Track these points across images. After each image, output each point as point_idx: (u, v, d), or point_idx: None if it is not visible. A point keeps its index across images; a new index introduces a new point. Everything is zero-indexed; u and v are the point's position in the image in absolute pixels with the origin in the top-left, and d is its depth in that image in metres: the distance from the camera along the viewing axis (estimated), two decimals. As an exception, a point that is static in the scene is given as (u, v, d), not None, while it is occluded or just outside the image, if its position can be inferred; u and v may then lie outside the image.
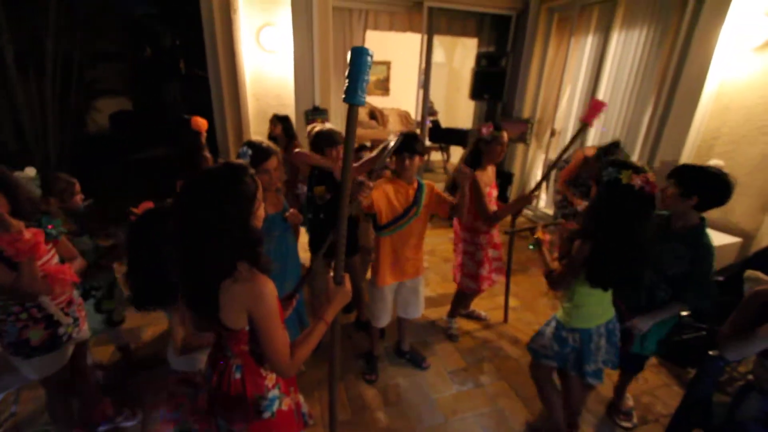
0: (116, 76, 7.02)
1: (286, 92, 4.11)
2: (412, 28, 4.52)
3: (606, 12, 3.79)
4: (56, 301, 1.53)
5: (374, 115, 7.34)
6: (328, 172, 2.19)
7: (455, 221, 2.55)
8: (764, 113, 2.61)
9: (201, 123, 2.63)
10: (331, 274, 1.16)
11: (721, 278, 2.41)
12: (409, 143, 1.87)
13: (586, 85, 4.08)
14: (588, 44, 4.03)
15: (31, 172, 1.82)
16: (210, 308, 0.99)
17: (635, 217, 1.40)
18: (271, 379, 1.14)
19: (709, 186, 1.54)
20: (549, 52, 4.45)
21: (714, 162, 2.59)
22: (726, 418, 1.49)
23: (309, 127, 2.73)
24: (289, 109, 3.98)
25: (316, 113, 3.93)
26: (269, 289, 0.99)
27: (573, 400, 1.84)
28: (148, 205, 1.47)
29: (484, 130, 2.23)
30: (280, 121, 3.21)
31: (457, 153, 6.36)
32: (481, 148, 2.28)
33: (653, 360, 2.50)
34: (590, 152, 2.90)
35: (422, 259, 2.15)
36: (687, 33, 2.97)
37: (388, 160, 1.92)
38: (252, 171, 1.02)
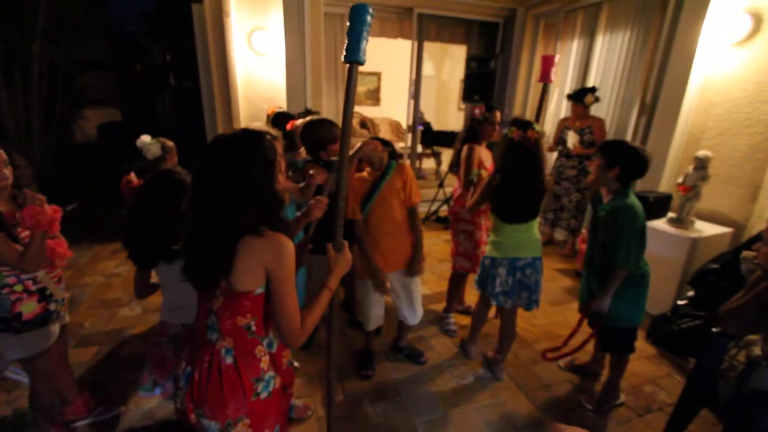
0: (105, 86, 6.97)
1: (277, 95, 4.11)
2: (403, 35, 4.60)
3: (590, 17, 3.91)
4: (50, 275, 1.51)
5: (365, 124, 7.38)
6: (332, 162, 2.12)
7: (453, 201, 2.55)
8: (747, 106, 2.68)
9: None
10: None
11: (715, 265, 2.41)
12: (378, 140, 1.88)
13: (573, 87, 4.17)
14: (574, 48, 4.14)
15: (147, 138, 2.14)
16: (224, 268, 0.95)
17: (517, 162, 1.82)
18: (265, 361, 1.08)
19: (628, 156, 1.70)
20: (536, 56, 4.56)
21: (702, 153, 2.63)
22: (733, 394, 1.45)
23: (299, 122, 2.69)
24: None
25: (308, 115, 3.91)
26: (290, 247, 0.98)
27: (500, 328, 2.20)
28: (132, 178, 1.53)
29: (477, 111, 2.31)
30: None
31: (448, 160, 6.40)
32: (475, 127, 2.38)
33: (653, 351, 2.47)
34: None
35: (407, 254, 2.02)
36: (669, 32, 3.07)
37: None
38: (269, 137, 1.02)
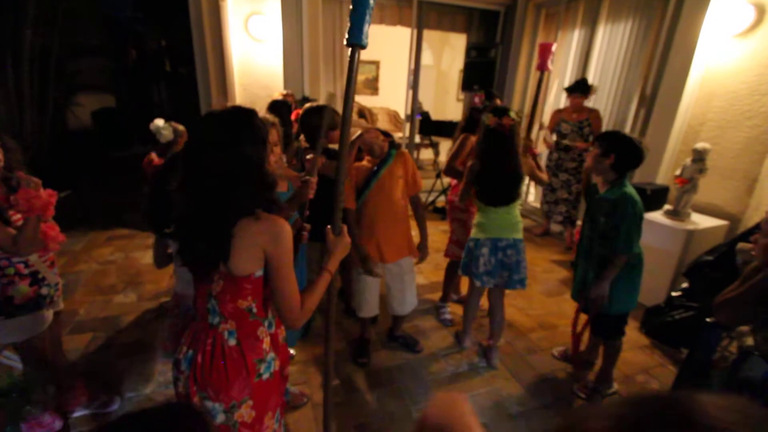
0: (99, 72, 6.84)
1: (274, 82, 4.06)
2: (402, 22, 4.54)
3: (592, 7, 3.86)
4: (42, 259, 1.51)
5: (363, 114, 7.32)
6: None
7: (450, 190, 2.57)
8: (747, 98, 2.66)
9: None
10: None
11: (710, 257, 2.43)
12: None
13: (574, 78, 4.13)
14: (575, 38, 4.09)
15: (160, 122, 2.21)
16: (221, 249, 0.94)
17: (493, 148, 1.91)
18: (267, 342, 1.08)
19: (623, 146, 1.72)
20: (537, 45, 4.51)
21: (701, 145, 2.62)
22: (725, 384, 1.47)
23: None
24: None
25: (305, 103, 3.87)
26: (287, 230, 0.98)
27: (490, 314, 2.26)
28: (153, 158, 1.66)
29: (477, 99, 2.30)
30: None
31: (446, 150, 6.38)
32: (474, 116, 2.36)
33: (646, 341, 2.49)
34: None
35: (406, 240, 2.06)
36: (671, 23, 3.04)
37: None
38: (267, 113, 1.03)
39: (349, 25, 1.02)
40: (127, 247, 3.54)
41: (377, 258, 1.99)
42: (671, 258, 2.68)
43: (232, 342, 1.02)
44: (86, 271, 3.10)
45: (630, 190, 1.75)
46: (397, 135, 6.82)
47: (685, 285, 2.52)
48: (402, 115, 6.26)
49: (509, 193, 1.99)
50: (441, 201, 4.75)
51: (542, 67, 2.30)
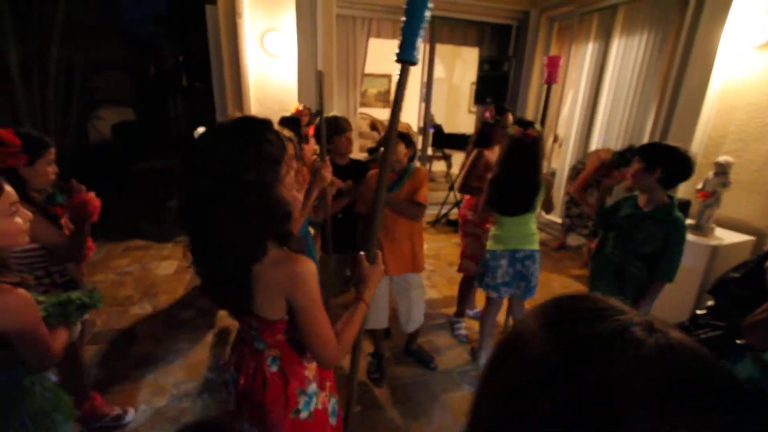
0: (119, 86, 7.08)
1: (288, 97, 4.12)
2: (415, 37, 4.58)
3: (606, 19, 3.85)
4: (76, 268, 1.56)
5: (376, 126, 7.39)
6: (344, 165, 2.13)
7: (463, 204, 2.55)
8: (770, 110, 2.60)
9: None
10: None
11: (737, 274, 2.34)
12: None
13: (588, 91, 4.11)
14: (588, 51, 4.08)
15: (202, 129, 2.27)
16: (241, 299, 0.84)
17: (516, 157, 1.93)
18: (311, 369, 1.00)
19: (670, 158, 1.60)
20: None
21: (723, 158, 2.56)
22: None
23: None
24: (290, 113, 3.97)
25: (318, 116, 3.92)
26: (310, 269, 0.84)
27: (486, 311, 2.26)
28: None
29: (487, 114, 2.29)
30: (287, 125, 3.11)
31: (458, 162, 6.38)
32: (486, 131, 2.38)
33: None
34: (605, 155, 2.92)
35: (414, 255, 2.02)
36: (688, 35, 3.01)
37: None
38: (277, 128, 0.85)
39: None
40: (144, 258, 3.59)
41: (387, 270, 1.97)
42: (695, 274, 2.59)
43: (274, 368, 0.96)
44: (103, 282, 3.15)
45: (678, 213, 1.65)
46: (409, 147, 6.84)
47: (710, 303, 2.42)
48: (414, 128, 6.29)
49: (527, 203, 1.99)
50: (454, 213, 4.72)
51: (550, 80, 2.30)
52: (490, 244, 2.11)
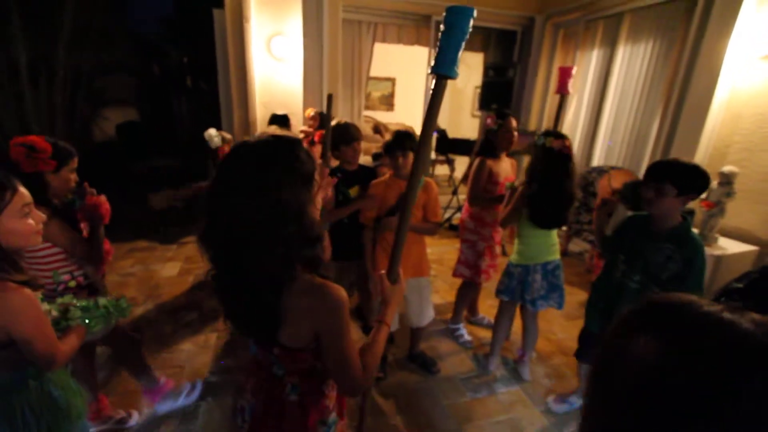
0: (124, 87, 7.12)
1: (293, 100, 4.14)
2: (420, 42, 4.60)
3: (611, 27, 3.86)
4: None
5: (379, 129, 7.40)
6: (352, 171, 2.14)
7: (464, 210, 2.54)
8: (776, 121, 2.60)
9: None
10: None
11: (740, 285, 2.33)
12: (400, 141, 1.91)
13: (593, 97, 4.12)
14: (594, 58, 4.09)
15: (212, 131, 2.76)
16: (268, 327, 0.80)
17: (556, 169, 1.90)
18: (331, 398, 0.96)
19: (680, 172, 1.46)
20: (555, 65, 4.52)
21: (728, 168, 2.56)
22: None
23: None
24: (296, 117, 3.99)
25: (323, 119, 3.94)
26: (343, 298, 0.81)
27: (524, 331, 2.25)
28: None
29: (489, 121, 2.26)
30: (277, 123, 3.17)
31: (462, 166, 6.39)
32: (490, 138, 2.31)
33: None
34: (616, 184, 3.00)
35: (421, 261, 2.06)
36: (694, 44, 3.01)
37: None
38: (307, 150, 0.81)
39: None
40: (148, 259, 3.61)
41: None
42: (698, 284, 2.59)
43: (293, 397, 0.91)
44: (108, 283, 3.15)
45: (695, 234, 1.55)
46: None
47: (713, 313, 2.42)
48: (417, 132, 6.31)
49: (565, 215, 2.00)
50: (457, 218, 4.72)
51: (562, 90, 2.30)
52: (519, 259, 2.08)
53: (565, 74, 2.24)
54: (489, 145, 2.33)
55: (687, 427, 0.34)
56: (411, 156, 1.89)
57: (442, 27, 0.86)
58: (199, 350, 2.39)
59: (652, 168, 1.55)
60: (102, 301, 1.20)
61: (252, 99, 4.04)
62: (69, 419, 1.09)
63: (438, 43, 0.87)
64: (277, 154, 0.76)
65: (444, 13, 0.85)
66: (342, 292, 0.81)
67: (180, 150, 7.08)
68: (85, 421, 1.21)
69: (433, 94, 0.89)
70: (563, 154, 1.90)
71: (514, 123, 2.30)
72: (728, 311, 0.37)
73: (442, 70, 0.86)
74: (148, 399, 1.90)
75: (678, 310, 0.39)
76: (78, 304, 1.14)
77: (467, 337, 2.57)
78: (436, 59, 0.87)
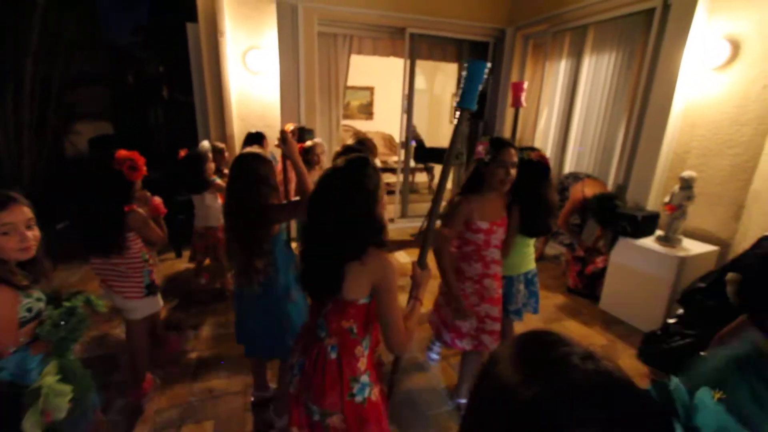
0: (97, 100, 6.95)
1: (271, 113, 4.15)
2: (395, 53, 4.68)
3: (577, 38, 4.02)
4: None
5: (364, 143, 7.44)
6: None
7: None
8: (728, 128, 2.77)
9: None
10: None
11: (703, 284, 2.47)
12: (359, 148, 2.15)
13: (562, 106, 4.28)
14: (562, 68, 4.25)
15: (206, 143, 3.11)
16: (334, 288, 1.11)
17: (539, 180, 2.00)
18: (363, 362, 1.20)
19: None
20: (526, 75, 4.67)
21: (687, 173, 2.71)
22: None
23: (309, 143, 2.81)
24: (273, 130, 3.99)
25: (303, 132, 3.95)
26: (395, 265, 1.13)
27: (505, 337, 2.17)
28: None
29: (480, 149, 1.77)
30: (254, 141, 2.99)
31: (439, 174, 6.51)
32: (482, 171, 1.80)
33: (644, 369, 2.50)
34: (589, 192, 3.16)
35: None
36: (653, 55, 3.18)
37: None
38: (373, 164, 1.15)
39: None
40: (123, 278, 3.52)
41: None
42: (664, 284, 2.72)
43: (333, 355, 1.17)
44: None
45: None
46: (392, 159, 6.92)
47: (680, 311, 2.55)
48: (396, 140, 6.38)
49: (550, 222, 2.08)
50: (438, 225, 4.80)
51: (516, 104, 2.44)
52: (504, 271, 1.99)
53: (517, 89, 2.37)
54: (478, 180, 1.81)
55: None
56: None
57: (464, 73, 1.22)
58: (179, 371, 2.35)
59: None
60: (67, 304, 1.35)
61: (228, 112, 4.02)
62: (61, 396, 1.26)
63: (461, 84, 1.22)
64: (350, 176, 1.10)
65: (465, 64, 1.23)
66: (394, 262, 1.15)
67: (158, 162, 6.95)
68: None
69: (458, 122, 1.26)
70: (543, 165, 2.00)
71: (513, 155, 1.75)
72: (579, 357, 0.43)
73: (466, 105, 1.21)
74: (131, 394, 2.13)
75: (540, 344, 0.47)
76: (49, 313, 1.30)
77: (435, 356, 2.52)
78: (462, 97, 1.21)
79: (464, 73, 1.21)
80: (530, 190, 1.98)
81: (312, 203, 1.14)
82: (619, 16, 3.52)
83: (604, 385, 0.41)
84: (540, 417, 0.39)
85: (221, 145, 3.40)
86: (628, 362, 2.54)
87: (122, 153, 1.81)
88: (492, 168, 1.76)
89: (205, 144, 3.06)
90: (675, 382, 0.44)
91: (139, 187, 1.95)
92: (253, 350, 1.96)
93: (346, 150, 2.24)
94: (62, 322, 1.27)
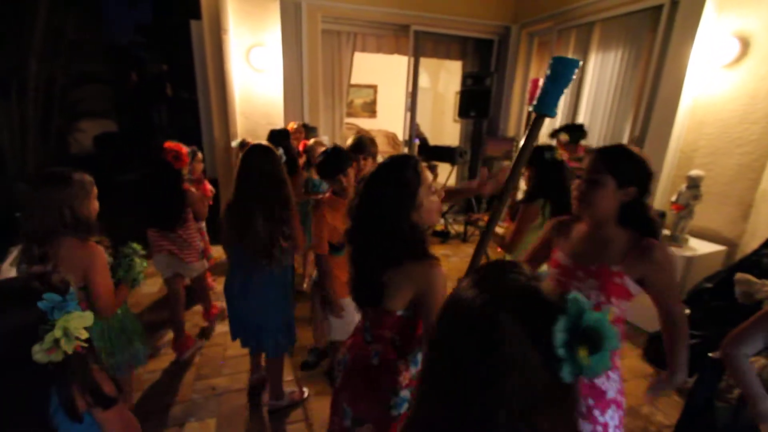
0: (101, 98, 6.97)
1: (274, 110, 4.14)
2: (399, 51, 4.66)
3: (583, 35, 3.99)
4: None
5: (364, 142, 7.43)
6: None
7: None
8: (737, 126, 2.73)
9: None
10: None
11: (709, 285, 2.44)
12: (361, 146, 2.03)
13: (567, 104, 4.24)
14: (567, 66, 4.20)
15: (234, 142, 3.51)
16: (374, 298, 1.05)
17: (566, 177, 1.91)
18: (405, 377, 1.10)
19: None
20: (531, 72, 4.64)
21: (694, 172, 2.67)
22: (731, 421, 1.46)
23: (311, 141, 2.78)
24: (277, 127, 3.97)
25: (306, 130, 3.94)
26: (442, 273, 1.03)
27: None
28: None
29: (553, 147, 2.02)
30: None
31: (444, 172, 6.47)
32: (549, 174, 1.96)
33: (649, 370, 2.47)
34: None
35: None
36: (660, 53, 3.15)
37: None
38: (420, 164, 1.03)
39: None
40: (127, 275, 3.53)
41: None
42: (671, 284, 2.69)
43: (375, 361, 1.10)
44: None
45: None
46: (396, 157, 6.89)
47: (687, 311, 2.51)
48: (400, 138, 6.36)
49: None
50: (440, 225, 4.78)
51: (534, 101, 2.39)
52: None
53: (536, 86, 2.31)
54: (549, 184, 1.93)
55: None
56: (351, 173, 1.82)
57: (548, 72, 0.97)
58: (179, 369, 2.36)
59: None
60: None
61: (232, 110, 4.01)
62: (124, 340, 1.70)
63: (542, 86, 0.98)
64: (389, 177, 1.01)
65: (550, 61, 0.98)
66: (441, 269, 1.03)
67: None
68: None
69: (531, 128, 1.05)
70: (563, 162, 2.01)
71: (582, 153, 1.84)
72: (526, 277, 0.55)
73: (544, 111, 0.99)
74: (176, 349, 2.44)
75: (497, 268, 0.58)
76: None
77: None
78: (539, 99, 0.99)
79: (548, 72, 1.00)
80: (561, 189, 1.89)
81: (350, 205, 1.09)
82: (626, 14, 3.48)
83: (530, 292, 0.53)
84: (486, 318, 0.51)
85: (250, 140, 3.26)
86: (634, 362, 2.52)
87: (168, 145, 2.16)
88: (549, 152, 1.96)
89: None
90: (577, 294, 0.52)
91: (195, 170, 2.53)
92: (248, 341, 1.98)
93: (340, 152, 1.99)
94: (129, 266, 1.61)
